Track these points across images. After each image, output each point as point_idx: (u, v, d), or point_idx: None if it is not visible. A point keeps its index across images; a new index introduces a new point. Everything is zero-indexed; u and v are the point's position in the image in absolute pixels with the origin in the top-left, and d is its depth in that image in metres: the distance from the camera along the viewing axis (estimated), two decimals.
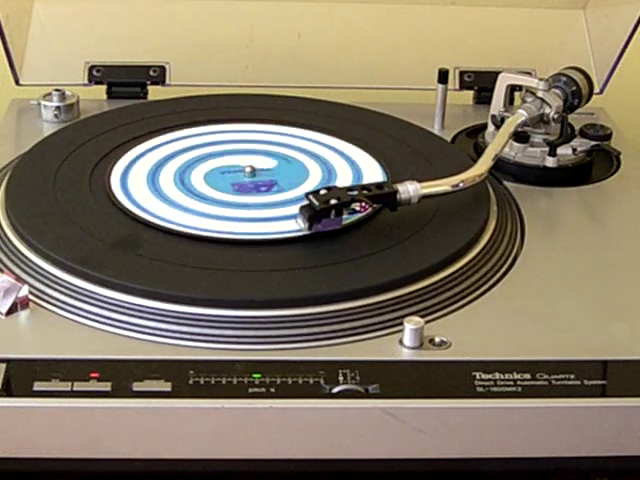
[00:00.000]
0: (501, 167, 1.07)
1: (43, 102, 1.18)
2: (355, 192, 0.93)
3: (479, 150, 1.10)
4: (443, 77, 1.17)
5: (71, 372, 0.79)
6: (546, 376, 0.80)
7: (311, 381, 0.79)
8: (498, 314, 0.88)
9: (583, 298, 0.90)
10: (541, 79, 1.09)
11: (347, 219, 0.93)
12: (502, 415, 0.79)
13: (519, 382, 0.80)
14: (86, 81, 1.23)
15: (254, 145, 1.08)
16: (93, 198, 0.97)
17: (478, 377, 0.80)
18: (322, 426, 0.78)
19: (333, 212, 0.91)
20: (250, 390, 0.78)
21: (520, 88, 1.12)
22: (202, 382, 0.79)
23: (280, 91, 1.21)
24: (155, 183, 1.00)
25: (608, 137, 1.11)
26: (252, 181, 1.01)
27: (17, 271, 0.89)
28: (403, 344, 0.83)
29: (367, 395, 0.78)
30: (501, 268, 0.93)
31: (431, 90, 1.19)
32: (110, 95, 1.23)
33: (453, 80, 1.24)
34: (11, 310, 0.85)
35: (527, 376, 0.80)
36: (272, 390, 0.78)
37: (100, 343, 0.82)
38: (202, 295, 0.85)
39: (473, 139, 1.15)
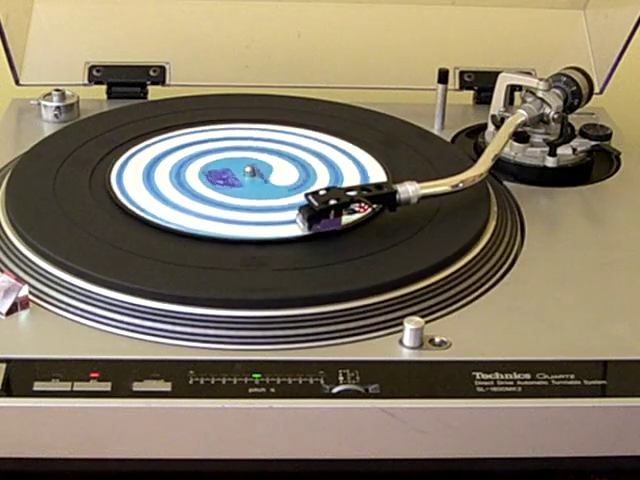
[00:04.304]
0: (501, 167, 1.07)
1: (43, 102, 1.18)
2: (354, 192, 0.93)
3: (479, 150, 1.10)
4: (443, 77, 1.17)
5: (71, 372, 0.79)
6: (546, 376, 0.80)
7: (311, 381, 0.79)
8: (498, 314, 0.87)
9: (583, 298, 0.90)
10: (541, 79, 1.09)
11: (347, 219, 0.93)
12: (502, 415, 0.79)
13: (519, 382, 0.80)
14: (86, 81, 1.23)
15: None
16: (93, 198, 0.97)
17: (478, 377, 0.80)
18: (322, 426, 0.78)
19: (332, 212, 0.91)
20: (250, 390, 0.78)
21: (520, 88, 1.12)
22: (202, 382, 0.79)
23: (280, 91, 1.21)
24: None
25: (608, 137, 1.11)
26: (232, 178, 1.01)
27: (17, 271, 0.89)
28: (403, 344, 0.83)
29: (367, 395, 0.78)
30: (501, 268, 0.93)
31: (431, 90, 1.19)
32: (110, 95, 1.23)
33: (453, 80, 1.24)
34: (11, 310, 0.85)
35: (527, 376, 0.80)
36: (272, 390, 0.78)
37: (100, 343, 0.82)
38: (202, 295, 0.85)
39: (473, 139, 1.15)
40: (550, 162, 1.08)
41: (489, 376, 0.80)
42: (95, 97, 1.23)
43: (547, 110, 1.08)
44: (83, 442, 0.78)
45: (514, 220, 1.00)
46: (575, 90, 1.10)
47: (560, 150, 1.08)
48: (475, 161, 1.02)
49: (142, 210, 0.95)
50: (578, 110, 1.12)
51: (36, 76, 1.21)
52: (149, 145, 1.07)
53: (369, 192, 0.93)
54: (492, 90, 1.13)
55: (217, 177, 1.01)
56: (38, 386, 0.78)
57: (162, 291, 0.85)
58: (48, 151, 1.06)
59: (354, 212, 0.93)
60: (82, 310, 0.85)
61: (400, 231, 0.94)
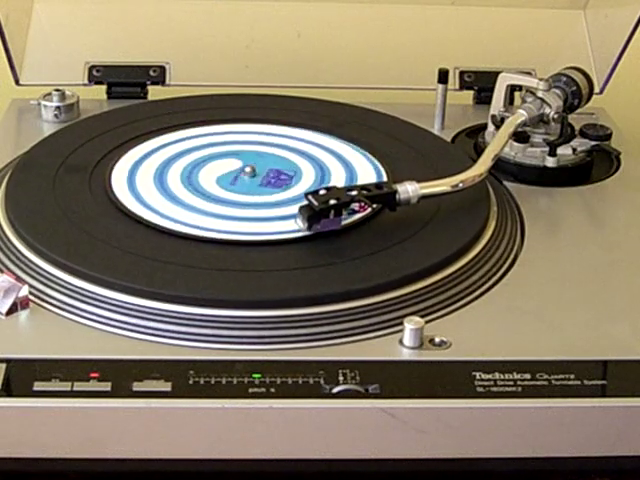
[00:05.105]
0: (501, 167, 1.07)
1: (43, 102, 1.18)
2: (354, 192, 0.93)
3: (479, 150, 1.10)
4: (443, 77, 1.17)
5: (71, 372, 0.79)
6: (546, 376, 0.80)
7: (311, 381, 0.79)
8: (498, 314, 0.88)
9: (583, 298, 0.90)
10: (541, 79, 1.09)
11: (346, 219, 0.93)
12: (502, 415, 0.79)
13: (519, 382, 0.80)
14: (86, 81, 1.23)
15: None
16: (93, 198, 0.97)
17: (478, 377, 0.80)
18: (322, 426, 0.78)
19: (332, 212, 0.91)
20: (250, 390, 0.78)
21: (520, 88, 1.12)
22: (202, 382, 0.79)
23: (280, 91, 1.21)
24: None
25: (608, 137, 1.11)
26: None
27: (17, 271, 0.89)
28: (403, 344, 0.83)
29: (367, 395, 0.78)
30: (501, 268, 0.93)
31: (431, 90, 1.19)
32: (110, 95, 1.23)
33: (453, 80, 1.24)
34: (11, 310, 0.85)
35: (527, 376, 0.80)
36: (272, 390, 0.78)
37: (100, 343, 0.82)
38: (202, 295, 0.85)
39: (473, 139, 1.15)
40: (550, 162, 1.08)
41: (489, 376, 0.80)
42: (95, 97, 1.23)
43: (547, 110, 1.08)
44: (83, 442, 0.78)
45: (514, 220, 1.00)
46: (575, 90, 1.10)
47: (560, 150, 1.08)
48: (475, 161, 1.02)
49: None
50: (578, 110, 1.12)
51: (36, 76, 1.22)
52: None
53: (369, 192, 0.93)
54: (492, 90, 1.13)
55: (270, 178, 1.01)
56: (38, 386, 0.78)
57: (162, 291, 0.85)
58: (48, 151, 1.06)
59: (354, 212, 0.93)
60: (82, 310, 0.85)
61: (400, 231, 0.94)
